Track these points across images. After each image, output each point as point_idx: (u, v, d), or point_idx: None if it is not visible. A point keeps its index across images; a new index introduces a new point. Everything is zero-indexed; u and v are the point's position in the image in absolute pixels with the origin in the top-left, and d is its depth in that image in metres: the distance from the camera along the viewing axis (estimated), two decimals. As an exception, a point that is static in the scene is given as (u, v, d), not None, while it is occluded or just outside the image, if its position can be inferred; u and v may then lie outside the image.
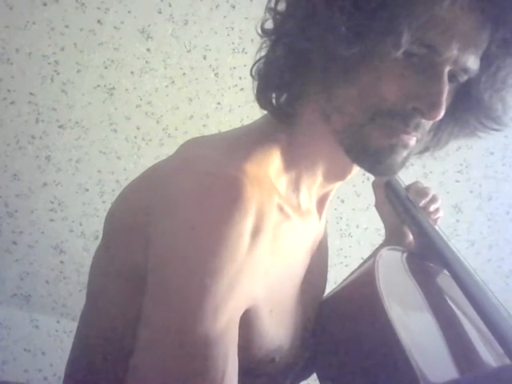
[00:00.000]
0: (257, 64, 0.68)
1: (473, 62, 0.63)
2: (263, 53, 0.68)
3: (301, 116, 0.69)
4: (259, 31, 0.68)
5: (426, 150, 0.76)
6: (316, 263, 0.76)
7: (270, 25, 0.67)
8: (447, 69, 0.62)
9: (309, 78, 0.65)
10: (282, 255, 0.67)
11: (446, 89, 0.62)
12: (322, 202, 0.77)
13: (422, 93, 0.62)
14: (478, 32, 0.62)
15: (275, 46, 0.66)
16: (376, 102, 0.63)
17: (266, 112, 0.73)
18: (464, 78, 0.65)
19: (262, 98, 0.69)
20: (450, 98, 0.64)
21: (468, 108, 0.70)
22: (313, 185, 0.73)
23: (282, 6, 0.65)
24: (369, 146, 0.65)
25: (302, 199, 0.72)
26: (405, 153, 0.66)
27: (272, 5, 0.66)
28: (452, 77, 0.64)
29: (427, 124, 0.65)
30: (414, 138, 0.66)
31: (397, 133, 0.64)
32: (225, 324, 0.57)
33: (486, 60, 0.64)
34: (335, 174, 0.73)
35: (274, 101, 0.69)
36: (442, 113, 0.62)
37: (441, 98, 0.62)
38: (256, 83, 0.69)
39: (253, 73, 0.69)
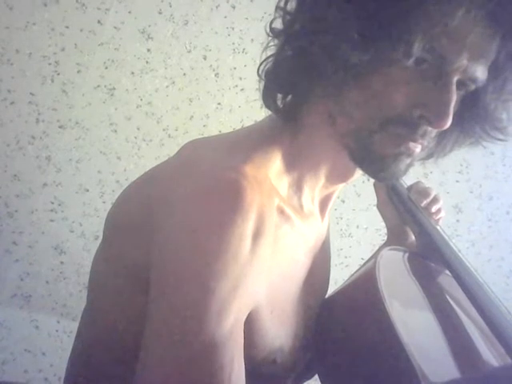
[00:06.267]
0: (264, 63, 0.68)
1: (481, 73, 0.63)
2: (269, 52, 0.68)
3: (306, 117, 0.69)
4: (267, 30, 0.67)
5: (429, 156, 0.76)
6: (318, 264, 0.76)
7: (278, 24, 0.66)
8: (456, 78, 0.62)
9: (317, 81, 0.65)
10: (283, 257, 0.67)
11: (454, 98, 0.62)
12: (324, 203, 0.77)
13: (429, 101, 0.62)
14: (488, 43, 0.62)
15: (284, 46, 0.65)
16: (384, 108, 0.63)
17: (266, 113, 0.73)
18: (472, 87, 0.65)
19: (267, 98, 0.69)
20: (456, 107, 0.64)
21: (474, 117, 0.70)
22: (315, 186, 0.73)
23: (291, 6, 0.65)
24: (374, 153, 0.65)
25: (305, 200, 0.72)
26: (408, 160, 0.67)
27: (282, 4, 0.65)
28: (460, 85, 0.64)
29: (433, 132, 0.65)
30: (420, 146, 0.66)
31: (405, 141, 0.64)
32: (230, 326, 0.57)
33: (494, 71, 0.65)
34: (338, 176, 0.73)
35: (279, 101, 0.69)
36: (449, 122, 0.62)
37: (448, 108, 0.62)
38: (262, 83, 0.68)
39: (259, 72, 0.68)
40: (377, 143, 0.64)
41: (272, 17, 0.67)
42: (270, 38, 0.67)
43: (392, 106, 0.62)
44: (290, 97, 0.69)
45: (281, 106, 0.69)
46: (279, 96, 0.69)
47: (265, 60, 0.68)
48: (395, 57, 0.60)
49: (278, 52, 0.66)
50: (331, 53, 0.60)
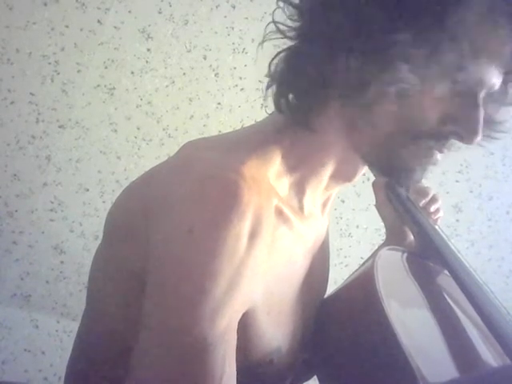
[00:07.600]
0: (274, 64, 0.67)
1: (498, 84, 0.65)
2: (272, 53, 0.66)
3: (318, 122, 0.67)
4: (280, 29, 0.66)
5: None
6: (317, 265, 0.76)
7: (289, 23, 0.65)
8: (483, 94, 0.64)
9: (336, 90, 0.64)
10: (281, 258, 0.67)
11: (483, 114, 0.64)
12: (324, 203, 0.77)
13: (459, 117, 0.64)
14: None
15: (302, 52, 0.64)
16: (418, 123, 0.64)
17: (266, 113, 0.73)
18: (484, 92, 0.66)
19: (280, 101, 0.67)
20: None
21: None
22: (318, 188, 0.73)
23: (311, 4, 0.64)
24: (402, 165, 0.68)
25: (306, 202, 0.72)
26: (430, 167, 0.69)
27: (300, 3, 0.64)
28: None
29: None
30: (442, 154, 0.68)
31: (433, 153, 0.67)
32: (223, 327, 0.57)
33: (505, 75, 0.66)
34: (343, 176, 0.73)
35: (290, 104, 0.67)
36: (480, 138, 0.65)
37: (479, 125, 0.64)
38: (274, 86, 0.67)
39: (270, 72, 0.67)
40: (406, 156, 0.67)
41: (271, 17, 0.67)
42: (275, 38, 0.66)
43: (425, 121, 0.64)
44: (304, 101, 0.67)
45: (294, 109, 0.67)
46: (292, 97, 0.67)
47: (273, 58, 0.66)
48: (440, 79, 0.61)
49: (293, 57, 0.65)
50: (382, 75, 0.60)
